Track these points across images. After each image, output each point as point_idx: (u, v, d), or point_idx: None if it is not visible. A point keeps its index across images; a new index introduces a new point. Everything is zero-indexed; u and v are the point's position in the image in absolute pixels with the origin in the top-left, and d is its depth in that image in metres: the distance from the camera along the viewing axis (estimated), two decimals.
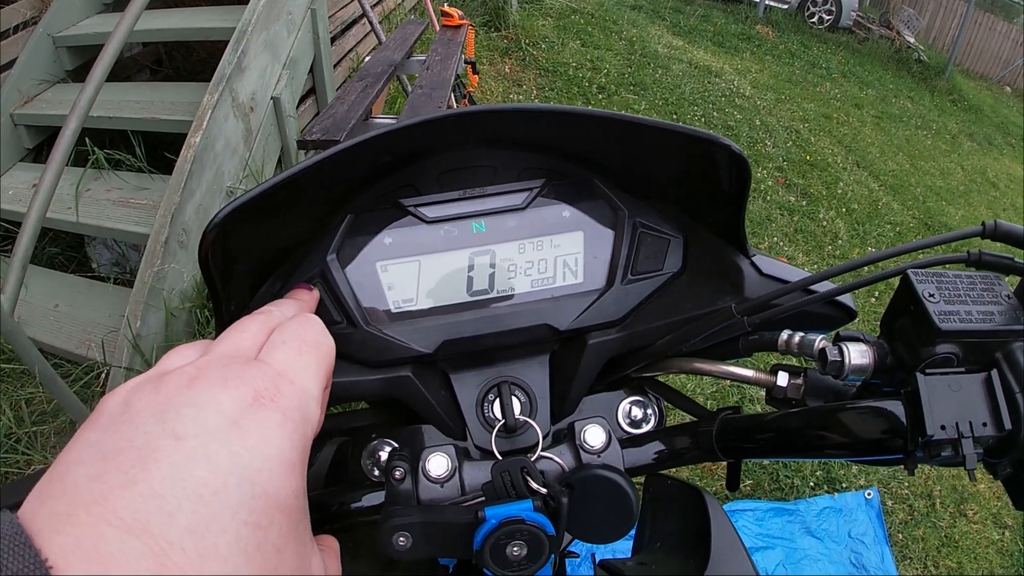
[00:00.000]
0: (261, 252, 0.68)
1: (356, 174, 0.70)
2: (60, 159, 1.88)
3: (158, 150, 2.93)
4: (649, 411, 0.76)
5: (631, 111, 5.99)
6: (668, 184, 0.74)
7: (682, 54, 7.70)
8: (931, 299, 0.52)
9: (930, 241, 0.58)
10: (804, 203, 5.53)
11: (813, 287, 0.67)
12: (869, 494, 2.90)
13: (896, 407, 0.51)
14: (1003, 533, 3.14)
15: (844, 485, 2.97)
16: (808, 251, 4.99)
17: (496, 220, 0.73)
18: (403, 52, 3.25)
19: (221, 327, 0.63)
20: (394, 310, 0.71)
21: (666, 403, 0.80)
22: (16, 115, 3.00)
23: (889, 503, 2.97)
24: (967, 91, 12.39)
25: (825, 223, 5.35)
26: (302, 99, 3.56)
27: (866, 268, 0.60)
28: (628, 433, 0.75)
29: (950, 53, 12.95)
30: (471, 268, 0.73)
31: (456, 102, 3.62)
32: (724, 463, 0.72)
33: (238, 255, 0.63)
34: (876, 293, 4.54)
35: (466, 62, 3.75)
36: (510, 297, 0.73)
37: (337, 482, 0.75)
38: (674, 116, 6.20)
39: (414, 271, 0.72)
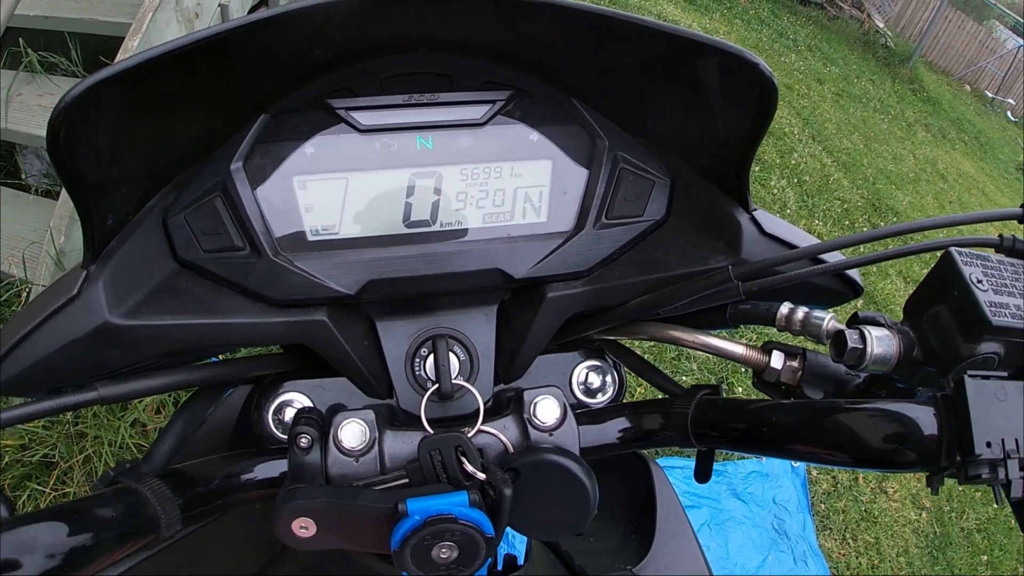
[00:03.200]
0: (151, 154, 0.53)
1: (281, 67, 0.56)
2: None
3: (96, 55, 2.73)
4: (608, 379, 0.67)
5: None
6: (663, 112, 0.62)
7: (652, 6, 7.56)
8: (979, 286, 0.44)
9: (964, 218, 0.51)
10: (756, 168, 5.50)
11: (824, 256, 0.58)
12: (795, 463, 2.89)
13: (925, 413, 0.43)
14: (920, 514, 3.21)
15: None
16: None
17: (447, 136, 0.60)
18: None
19: (92, 247, 0.50)
20: (311, 238, 0.59)
21: (627, 371, 0.70)
22: None
23: (814, 473, 3.00)
24: (928, 83, 12.56)
25: (776, 191, 5.34)
26: (253, 9, 3.31)
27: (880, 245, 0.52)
28: (582, 403, 0.66)
29: (917, 43, 13.14)
30: (411, 193, 0.60)
31: None
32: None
33: (116, 154, 0.49)
34: None
35: None
36: (457, 233, 0.61)
37: (247, 440, 0.64)
38: None
39: (339, 191, 0.59)
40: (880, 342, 0.47)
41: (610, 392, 0.67)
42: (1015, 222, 0.50)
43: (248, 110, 0.57)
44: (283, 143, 0.57)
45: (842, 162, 6.63)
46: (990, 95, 16.00)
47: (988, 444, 0.40)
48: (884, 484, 3.19)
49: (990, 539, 3.30)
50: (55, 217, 2.18)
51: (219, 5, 2.85)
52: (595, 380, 0.67)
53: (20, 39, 2.54)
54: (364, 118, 0.58)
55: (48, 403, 0.49)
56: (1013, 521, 3.42)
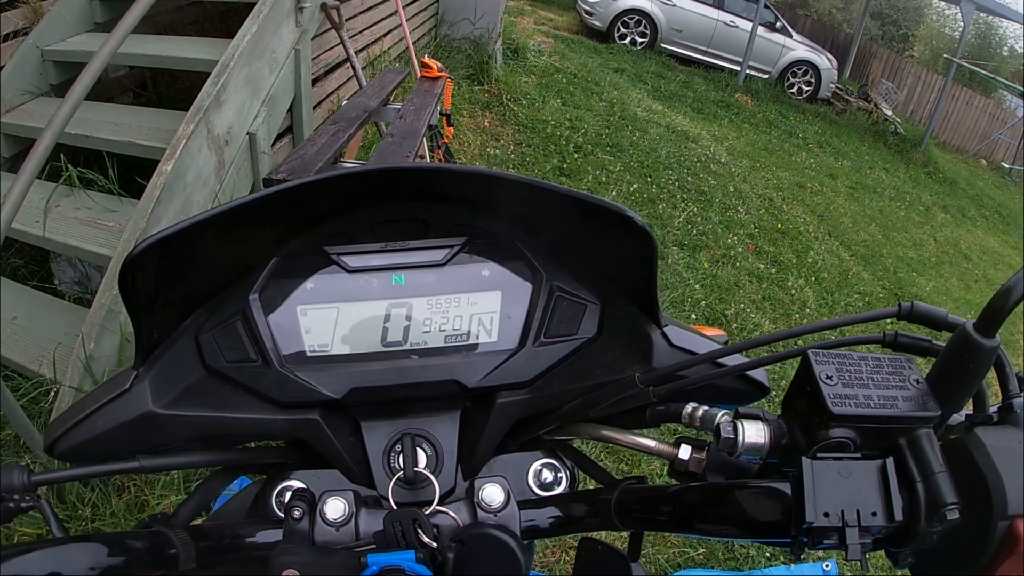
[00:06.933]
0: (188, 286, 0.71)
1: (291, 222, 0.75)
2: (31, 172, 1.88)
3: (131, 173, 2.93)
4: (560, 475, 0.78)
5: (606, 171, 6.10)
6: (584, 250, 0.77)
7: (661, 118, 7.86)
8: (828, 381, 0.52)
9: (844, 320, 0.60)
10: (774, 271, 5.61)
11: (723, 360, 0.69)
12: (827, 566, 2.72)
13: (786, 489, 0.51)
14: None
15: (802, 556, 2.84)
16: (775, 319, 5.01)
17: (416, 274, 0.76)
18: (380, 99, 3.33)
19: (142, 354, 0.69)
20: (309, 353, 0.74)
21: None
22: None
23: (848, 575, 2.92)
24: (942, 163, 12.68)
25: (794, 291, 5.40)
26: (278, 137, 3.60)
27: (781, 345, 0.59)
28: (537, 495, 0.77)
29: (927, 126, 13.27)
30: (387, 319, 0.75)
31: (430, 152, 3.69)
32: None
33: (163, 286, 0.67)
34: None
35: (442, 113, 3.84)
36: (423, 351, 0.75)
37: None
38: (648, 179, 6.28)
39: (332, 317, 0.75)
40: (752, 432, 0.54)
41: (563, 485, 0.77)
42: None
43: (263, 254, 0.74)
44: (290, 279, 0.74)
45: (861, 255, 6.71)
46: (1007, 165, 16.00)
47: (826, 514, 0.47)
48: None
49: None
50: (87, 324, 2.33)
51: (247, 134, 3.12)
52: (548, 475, 0.77)
53: (61, 155, 2.73)
54: (352, 261, 0.75)
55: (101, 467, 0.67)
56: None
